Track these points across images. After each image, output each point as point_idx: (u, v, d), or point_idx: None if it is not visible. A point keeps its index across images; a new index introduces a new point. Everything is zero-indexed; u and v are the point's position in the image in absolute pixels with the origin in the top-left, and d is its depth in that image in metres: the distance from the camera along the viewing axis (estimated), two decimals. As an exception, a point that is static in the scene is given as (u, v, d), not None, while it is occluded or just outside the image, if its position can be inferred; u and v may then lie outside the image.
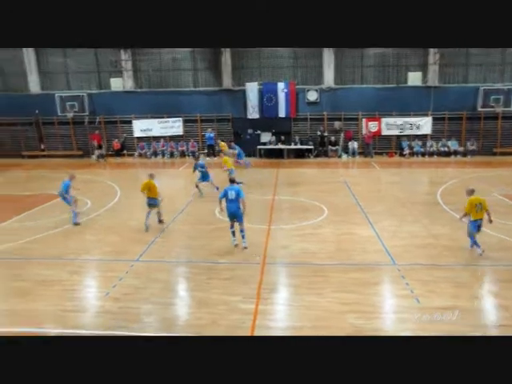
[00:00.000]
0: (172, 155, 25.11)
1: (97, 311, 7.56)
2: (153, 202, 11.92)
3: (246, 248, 10.22)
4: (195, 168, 15.62)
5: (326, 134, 24.40)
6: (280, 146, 24.36)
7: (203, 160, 17.72)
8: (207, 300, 7.78)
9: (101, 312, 7.49)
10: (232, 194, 10.14)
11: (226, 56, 24.35)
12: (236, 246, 10.36)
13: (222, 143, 21.82)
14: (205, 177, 15.54)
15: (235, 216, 10.23)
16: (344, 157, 24.23)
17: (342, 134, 24.54)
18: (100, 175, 19.82)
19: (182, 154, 25.14)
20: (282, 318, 7.24)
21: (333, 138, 24.44)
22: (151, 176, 12.16)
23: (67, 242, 11.04)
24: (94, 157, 24.95)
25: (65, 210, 13.21)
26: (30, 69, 25.52)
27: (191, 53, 24.81)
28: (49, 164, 23.77)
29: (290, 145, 24.40)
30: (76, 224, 12.34)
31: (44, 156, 25.70)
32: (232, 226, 10.41)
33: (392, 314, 7.27)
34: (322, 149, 24.40)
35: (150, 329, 6.94)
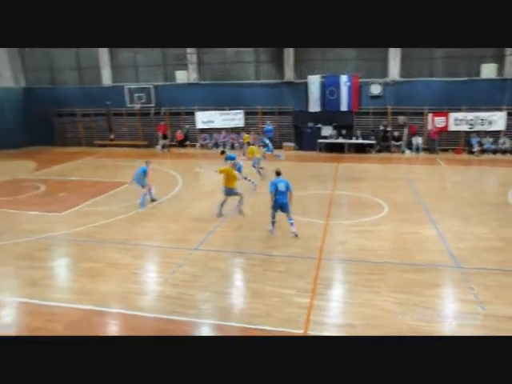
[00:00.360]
0: (233, 147, 25.46)
1: (157, 295, 7.92)
2: (229, 192, 12.09)
3: (296, 236, 10.38)
4: (226, 160, 15.79)
5: (389, 128, 23.66)
6: (341, 140, 23.96)
7: (232, 153, 17.97)
8: (262, 291, 7.89)
9: (161, 296, 7.84)
10: (282, 187, 10.38)
11: (289, 49, 24.21)
12: (272, 233, 10.64)
13: (246, 135, 22.20)
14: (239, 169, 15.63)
15: (284, 207, 10.50)
16: (407, 152, 23.39)
17: (406, 129, 23.68)
18: (163, 165, 20.55)
19: (243, 146, 25.41)
20: (336, 314, 7.20)
21: (396, 133, 23.65)
22: (233, 165, 12.38)
23: (132, 227, 11.61)
24: (158, 147, 25.89)
25: (130, 198, 13.94)
26: (103, 63, 26.89)
27: (254, 46, 24.91)
28: (117, 153, 25.00)
29: (351, 139, 23.93)
30: (143, 207, 13.08)
31: (113, 145, 27.04)
32: (274, 217, 10.68)
33: (453, 318, 6.98)
34: (384, 144, 23.70)
35: (206, 316, 7.18)
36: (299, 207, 12.87)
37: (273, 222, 10.74)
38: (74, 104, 27.29)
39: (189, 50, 25.38)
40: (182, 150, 25.57)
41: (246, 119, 25.48)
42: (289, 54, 24.40)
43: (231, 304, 7.69)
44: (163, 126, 26.11)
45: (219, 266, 9.07)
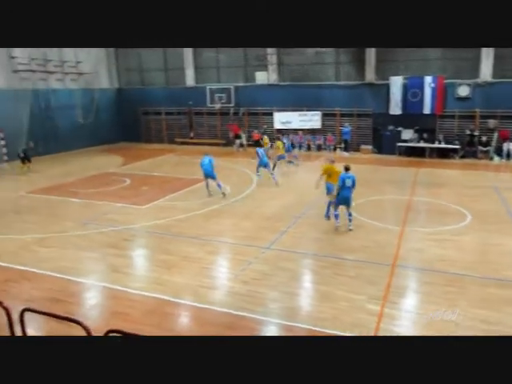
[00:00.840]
0: (309, 148, 25.34)
1: (228, 291, 8.09)
2: (331, 189, 11.82)
3: (351, 230, 10.87)
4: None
5: (476, 133, 22.11)
6: (422, 144, 22.84)
7: (264, 148, 18.78)
8: (331, 295, 7.76)
9: (231, 292, 8.00)
10: (349, 182, 10.81)
11: (371, 49, 23.54)
12: (337, 228, 11.01)
13: (265, 137, 22.83)
14: (261, 163, 16.64)
15: (347, 201, 10.95)
16: (496, 159, 21.67)
17: (496, 134, 21.96)
18: (239, 163, 20.94)
19: (319, 148, 25.20)
20: (407, 324, 6.88)
21: (484, 138, 22.02)
22: (332, 161, 12.32)
23: (206, 223, 11.98)
24: (235, 146, 26.47)
25: (206, 195, 14.42)
26: (188, 64, 28.04)
27: (335, 46, 24.58)
28: (196, 151, 25.81)
29: (434, 143, 22.70)
30: (224, 194, 14.35)
31: (192, 143, 28.08)
32: (337, 210, 11.11)
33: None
34: (470, 149, 22.19)
35: (274, 315, 7.20)
36: (375, 212, 12.53)
37: (336, 215, 11.09)
38: (159, 103, 28.78)
39: (269, 50, 25.63)
40: (259, 150, 25.83)
41: (323, 121, 25.19)
42: (370, 54, 23.73)
43: (299, 305, 7.66)
44: (234, 126, 26.73)
45: (289, 266, 9.06)
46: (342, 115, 24.78)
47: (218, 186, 14.49)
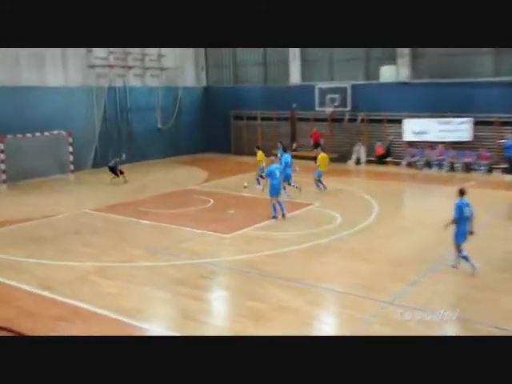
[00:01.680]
0: (452, 168, 23.96)
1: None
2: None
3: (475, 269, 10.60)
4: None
5: None
6: None
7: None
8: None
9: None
10: (467, 211, 10.65)
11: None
12: (475, 271, 10.57)
13: (260, 153, 20.98)
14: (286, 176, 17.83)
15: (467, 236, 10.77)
16: None
17: None
18: (355, 185, 20.36)
19: (467, 168, 23.68)
20: None
21: None
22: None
23: (309, 262, 11.69)
24: (350, 162, 25.99)
25: (310, 225, 14.15)
26: (293, 57, 28.45)
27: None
28: (300, 166, 25.50)
29: None
30: (284, 216, 15.28)
31: (295, 157, 27.98)
32: (462, 250, 10.71)
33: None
34: None
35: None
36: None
37: (465, 257, 10.67)
38: (254, 106, 29.49)
39: (401, 38, 25.01)
40: (382, 168, 25.16)
41: (475, 131, 23.76)
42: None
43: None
44: (316, 133, 26.81)
45: (421, 332, 8.28)
46: (503, 123, 23.17)
47: (280, 204, 15.45)
